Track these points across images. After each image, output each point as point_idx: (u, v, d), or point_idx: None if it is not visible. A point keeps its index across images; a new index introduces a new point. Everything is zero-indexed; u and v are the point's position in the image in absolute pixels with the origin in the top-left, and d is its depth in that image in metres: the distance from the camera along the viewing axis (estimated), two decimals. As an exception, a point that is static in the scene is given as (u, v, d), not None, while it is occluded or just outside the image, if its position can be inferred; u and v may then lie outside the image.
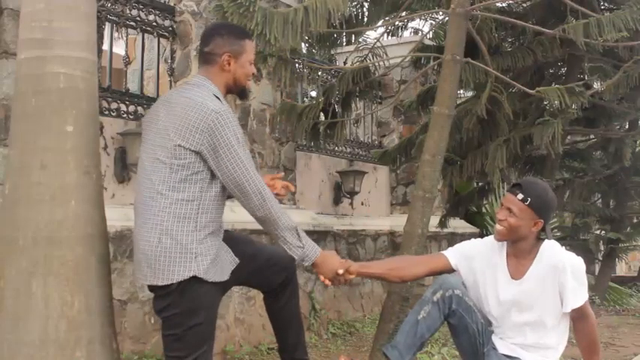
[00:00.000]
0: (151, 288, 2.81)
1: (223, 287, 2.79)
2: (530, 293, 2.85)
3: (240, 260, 2.79)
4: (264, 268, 2.92)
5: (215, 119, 2.62)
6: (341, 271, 2.91)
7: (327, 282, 2.95)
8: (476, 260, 3.02)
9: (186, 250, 2.63)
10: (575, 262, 2.84)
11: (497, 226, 2.89)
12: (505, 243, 2.98)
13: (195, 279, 2.64)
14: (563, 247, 2.93)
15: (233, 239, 2.88)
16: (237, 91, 2.89)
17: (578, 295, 2.82)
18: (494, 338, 2.96)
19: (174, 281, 2.65)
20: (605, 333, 7.36)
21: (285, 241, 2.72)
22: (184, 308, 2.67)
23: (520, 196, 2.84)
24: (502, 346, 2.92)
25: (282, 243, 2.76)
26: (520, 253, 2.91)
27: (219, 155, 2.62)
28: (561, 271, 2.80)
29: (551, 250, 2.90)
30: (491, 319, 2.97)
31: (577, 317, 2.86)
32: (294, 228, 2.72)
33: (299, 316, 3.15)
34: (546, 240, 2.93)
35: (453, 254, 3.12)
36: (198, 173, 2.65)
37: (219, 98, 2.73)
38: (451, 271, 3.09)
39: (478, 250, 3.07)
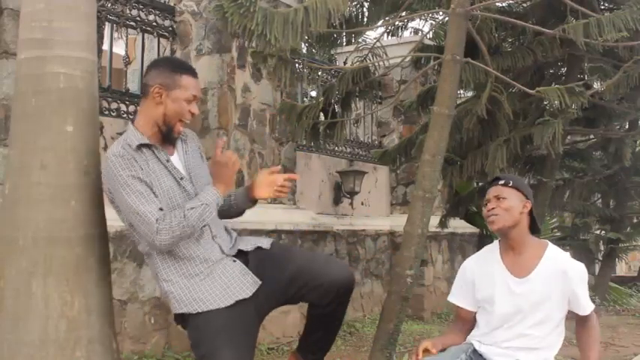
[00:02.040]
0: None
1: (247, 308, 2.67)
2: (536, 293, 2.84)
3: (276, 280, 2.72)
4: (314, 287, 2.79)
5: (103, 171, 2.67)
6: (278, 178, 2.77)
7: (276, 194, 2.78)
8: (475, 279, 3.01)
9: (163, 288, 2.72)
10: (584, 270, 2.90)
11: (491, 217, 2.89)
12: (496, 244, 2.98)
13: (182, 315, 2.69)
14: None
15: (271, 257, 2.81)
16: (165, 130, 2.67)
17: (589, 301, 2.89)
18: (483, 348, 2.92)
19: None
20: (605, 333, 7.36)
21: (201, 219, 2.57)
22: (191, 340, 2.70)
23: (501, 182, 2.91)
24: (493, 354, 2.89)
25: (204, 223, 2.63)
26: (516, 246, 2.90)
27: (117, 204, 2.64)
28: (572, 279, 2.82)
29: (560, 254, 2.91)
30: (496, 322, 2.93)
31: (588, 322, 2.91)
32: (183, 214, 2.53)
33: (341, 322, 3.06)
34: (550, 243, 2.95)
35: (458, 298, 3.10)
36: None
37: (125, 139, 2.64)
38: (474, 311, 3.08)
39: (471, 269, 3.05)
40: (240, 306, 2.63)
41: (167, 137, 2.69)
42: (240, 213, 2.98)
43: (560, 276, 2.82)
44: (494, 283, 2.91)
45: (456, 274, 3.16)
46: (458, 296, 3.09)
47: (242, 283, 2.67)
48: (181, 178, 2.69)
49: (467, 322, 3.08)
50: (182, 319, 2.72)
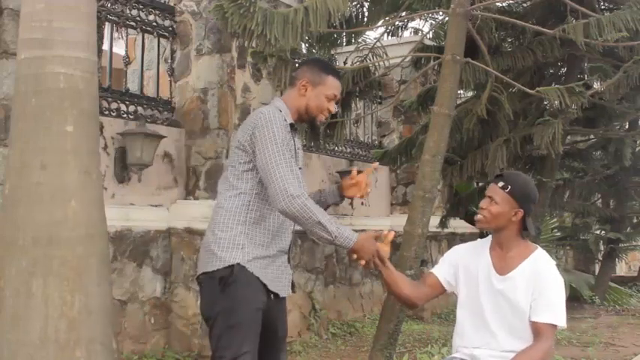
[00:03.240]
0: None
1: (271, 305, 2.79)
2: (515, 290, 2.82)
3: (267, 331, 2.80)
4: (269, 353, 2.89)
5: (258, 118, 2.75)
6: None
7: (362, 263, 2.88)
8: (460, 264, 3.00)
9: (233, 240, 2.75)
10: (559, 281, 2.82)
11: (479, 215, 2.89)
12: (489, 239, 2.98)
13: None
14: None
15: (280, 315, 2.92)
16: (307, 119, 2.95)
17: (550, 312, 2.74)
18: (476, 352, 2.90)
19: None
20: (605, 333, 7.37)
21: (316, 234, 2.72)
22: (223, 304, 2.71)
23: (501, 184, 2.86)
24: (486, 356, 2.88)
25: (313, 237, 2.81)
26: (504, 244, 2.89)
27: (255, 150, 2.73)
28: (545, 280, 2.77)
29: (544, 257, 2.88)
30: (478, 320, 2.92)
31: (534, 335, 2.75)
32: (319, 222, 2.67)
33: None
34: (539, 248, 2.93)
35: (439, 269, 3.08)
36: (250, 171, 2.77)
37: (280, 111, 2.83)
38: (442, 289, 3.06)
39: (460, 253, 3.05)
40: (272, 301, 2.79)
41: (311, 125, 3.05)
42: (325, 209, 3.09)
43: (534, 275, 2.80)
44: (478, 276, 2.91)
45: (449, 251, 3.14)
46: (438, 269, 3.07)
47: (285, 284, 2.85)
48: (300, 168, 2.90)
49: (427, 287, 3.05)
50: (223, 280, 2.70)
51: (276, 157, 2.67)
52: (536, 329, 2.75)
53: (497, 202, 2.84)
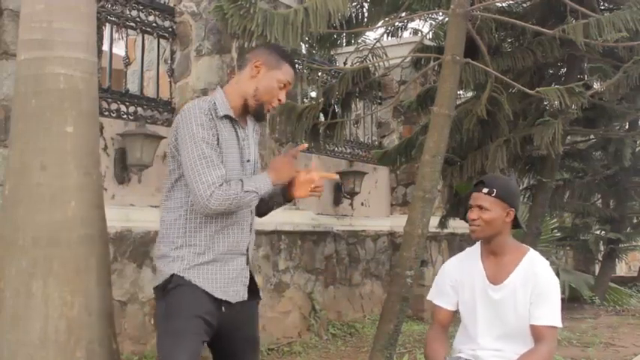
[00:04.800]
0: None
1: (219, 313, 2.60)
2: (512, 298, 2.81)
3: (233, 334, 2.68)
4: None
5: (178, 119, 2.58)
6: (304, 175, 2.70)
7: (302, 192, 2.71)
8: (456, 281, 2.98)
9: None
10: (558, 284, 2.82)
11: (472, 227, 2.87)
12: (478, 246, 2.97)
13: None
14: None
15: (247, 320, 2.77)
16: (254, 106, 2.68)
17: (550, 316, 2.74)
18: (480, 353, 2.90)
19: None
20: (605, 333, 7.37)
21: (249, 204, 2.59)
22: (166, 309, 2.57)
23: (485, 190, 2.84)
24: (489, 356, 2.87)
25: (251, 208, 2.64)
26: (497, 251, 2.88)
27: (179, 151, 2.56)
28: (542, 283, 2.76)
29: (537, 259, 2.87)
30: (480, 329, 2.91)
31: (536, 338, 2.75)
32: (243, 194, 2.52)
33: None
34: (531, 249, 2.92)
35: (443, 299, 3.03)
36: (182, 178, 2.58)
37: (215, 103, 2.62)
38: (453, 312, 3.05)
39: (451, 273, 3.02)
40: (222, 307, 2.60)
41: (257, 113, 2.71)
42: (268, 211, 2.91)
43: (532, 279, 2.79)
44: (474, 289, 2.88)
45: (437, 277, 3.11)
46: (438, 295, 3.05)
47: (239, 290, 2.65)
48: (247, 161, 2.69)
49: (446, 325, 3.04)
50: (162, 289, 2.57)
51: (194, 159, 2.49)
52: (538, 333, 2.74)
53: (487, 208, 2.82)
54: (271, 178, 2.62)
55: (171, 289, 2.53)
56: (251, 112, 2.70)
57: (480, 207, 2.83)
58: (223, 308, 2.58)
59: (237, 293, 2.63)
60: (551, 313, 2.75)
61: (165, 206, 2.64)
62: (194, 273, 2.54)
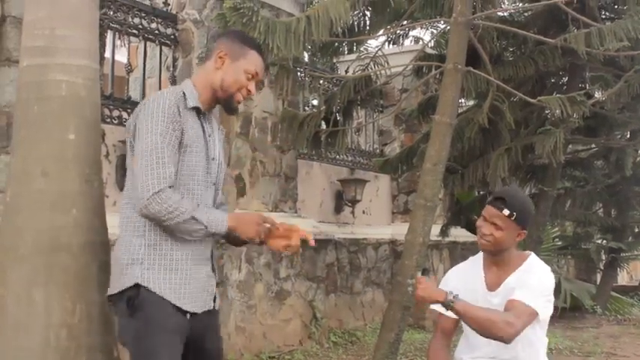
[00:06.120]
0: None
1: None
2: (503, 305, 2.80)
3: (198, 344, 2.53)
4: None
5: (139, 109, 2.45)
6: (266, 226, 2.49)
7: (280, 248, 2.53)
8: (459, 290, 2.98)
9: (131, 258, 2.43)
10: (549, 276, 2.81)
11: (482, 241, 2.85)
12: (481, 255, 2.96)
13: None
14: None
15: (212, 329, 2.63)
16: (223, 98, 2.56)
17: (526, 293, 2.69)
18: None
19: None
20: (607, 343, 7.34)
21: (186, 230, 2.37)
22: (134, 330, 2.42)
23: (506, 212, 2.77)
24: None
25: (184, 234, 2.42)
26: (500, 263, 2.89)
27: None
28: (531, 273, 2.77)
29: (534, 261, 2.87)
30: (480, 338, 2.91)
31: (508, 308, 2.70)
32: (187, 219, 2.34)
33: None
34: (533, 254, 2.93)
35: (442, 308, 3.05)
36: None
37: (184, 93, 2.49)
38: (454, 321, 3.03)
39: (452, 280, 3.01)
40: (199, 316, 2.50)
41: (227, 105, 2.58)
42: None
43: (525, 273, 2.79)
44: (476, 297, 2.87)
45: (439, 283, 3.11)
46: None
47: (206, 299, 2.54)
48: (213, 158, 2.56)
49: (448, 334, 3.02)
50: (130, 301, 2.40)
51: (147, 151, 2.33)
52: (509, 304, 2.69)
53: (501, 228, 2.78)
54: (230, 225, 2.43)
55: (138, 305, 2.38)
56: (221, 103, 2.58)
57: (495, 225, 2.80)
58: (188, 315, 2.45)
59: (204, 303, 2.52)
60: (529, 294, 2.69)
61: (126, 206, 2.49)
62: (159, 282, 2.39)
